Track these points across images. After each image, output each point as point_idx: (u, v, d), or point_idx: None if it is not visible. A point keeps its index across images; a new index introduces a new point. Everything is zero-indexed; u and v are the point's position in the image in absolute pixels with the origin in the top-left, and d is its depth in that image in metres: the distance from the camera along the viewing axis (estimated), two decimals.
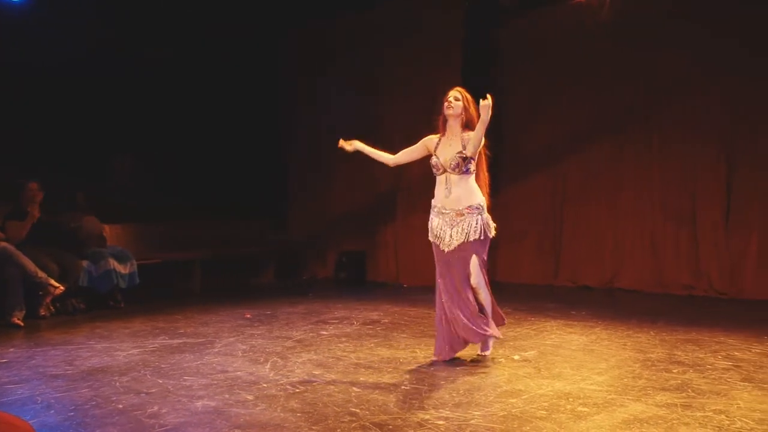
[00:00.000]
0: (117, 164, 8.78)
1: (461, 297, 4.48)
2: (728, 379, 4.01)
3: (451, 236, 4.46)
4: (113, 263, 6.91)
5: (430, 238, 4.62)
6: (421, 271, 8.89)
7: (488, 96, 4.18)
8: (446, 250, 4.49)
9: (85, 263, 6.77)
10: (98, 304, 6.88)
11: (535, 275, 8.71)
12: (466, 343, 4.58)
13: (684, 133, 7.75)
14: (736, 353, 4.72)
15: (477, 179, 4.55)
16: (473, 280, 4.48)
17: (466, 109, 4.51)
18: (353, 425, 3.22)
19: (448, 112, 4.52)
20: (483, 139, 4.38)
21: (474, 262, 4.46)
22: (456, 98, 4.52)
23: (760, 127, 7.31)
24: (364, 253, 9.43)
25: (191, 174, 8.96)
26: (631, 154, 8.13)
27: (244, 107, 9.46)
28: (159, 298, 7.48)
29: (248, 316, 6.42)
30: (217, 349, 4.96)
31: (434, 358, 4.61)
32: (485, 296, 4.57)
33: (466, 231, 4.43)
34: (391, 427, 3.20)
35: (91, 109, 7.97)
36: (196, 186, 8.97)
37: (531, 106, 8.70)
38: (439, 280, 4.61)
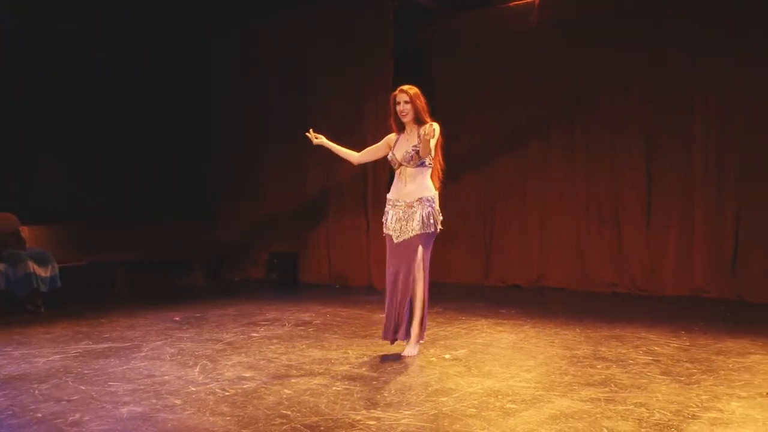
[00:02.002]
0: (40, 164, 8.44)
1: (405, 291, 4.60)
2: (648, 373, 4.17)
3: (401, 228, 4.60)
4: (32, 266, 6.63)
5: (384, 231, 4.73)
6: (354, 272, 8.92)
7: (432, 125, 4.41)
8: (396, 241, 4.61)
9: (1, 266, 6.47)
10: (16, 309, 6.59)
11: (466, 275, 8.84)
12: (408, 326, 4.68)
13: (606, 134, 8.01)
14: (656, 348, 4.91)
15: (432, 171, 4.71)
16: (415, 269, 4.59)
17: (414, 104, 4.64)
18: (284, 428, 3.19)
19: (405, 120, 4.68)
20: (437, 134, 4.56)
21: (419, 252, 4.60)
22: (405, 101, 4.66)
23: (678, 126, 7.62)
24: (297, 254, 9.36)
25: (119, 174, 8.70)
26: (558, 155, 8.36)
27: (174, 107, 9.25)
28: (82, 302, 7.22)
29: (177, 318, 6.27)
30: (144, 353, 4.83)
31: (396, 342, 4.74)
32: (420, 289, 4.63)
33: (416, 222, 4.57)
34: (322, 428, 3.19)
35: (13, 108, 7.65)
36: (123, 186, 8.72)
37: (460, 107, 8.81)
38: (389, 270, 4.69)
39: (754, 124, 7.22)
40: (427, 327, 4.90)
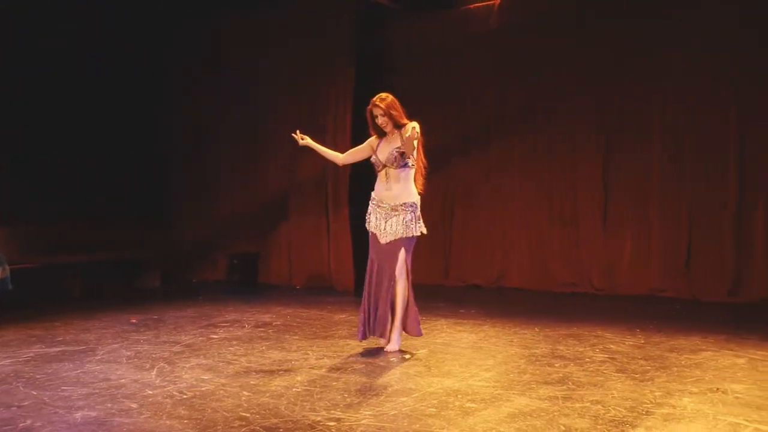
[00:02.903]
0: None
1: (385, 289, 4.74)
2: (604, 371, 4.24)
3: (385, 228, 4.75)
4: None
5: (368, 228, 4.89)
6: (314, 273, 8.88)
7: (414, 128, 4.49)
8: (383, 241, 4.75)
9: None
10: None
11: (427, 275, 8.84)
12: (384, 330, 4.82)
13: (566, 136, 8.14)
14: (612, 346, 5.00)
15: (415, 170, 4.83)
16: (396, 271, 4.73)
17: (390, 116, 4.77)
18: (243, 430, 3.16)
19: (385, 129, 4.81)
20: (417, 133, 4.60)
21: (401, 254, 4.73)
22: (381, 114, 4.78)
23: (635, 128, 7.78)
24: (257, 255, 9.29)
25: (73, 174, 8.50)
26: (517, 156, 8.46)
27: (130, 106, 9.08)
28: (35, 305, 7.04)
29: (134, 321, 6.17)
30: (99, 357, 4.73)
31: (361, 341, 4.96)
32: (401, 289, 4.76)
33: (400, 226, 4.72)
34: (282, 430, 3.17)
35: None
36: (78, 187, 8.52)
37: (421, 108, 8.77)
38: (370, 266, 4.84)
39: (705, 125, 7.41)
40: (420, 321, 4.99)
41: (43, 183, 8.25)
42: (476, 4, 8.59)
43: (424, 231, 4.83)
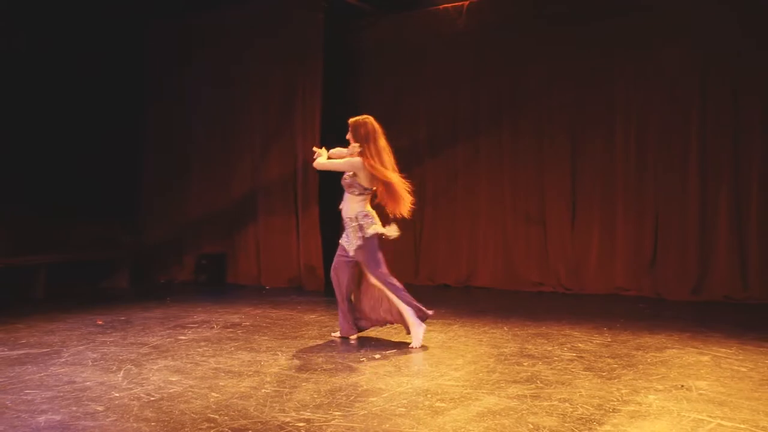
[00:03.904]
0: None
1: (344, 294, 5.25)
2: (572, 370, 4.29)
3: (350, 240, 5.17)
4: None
5: (341, 242, 5.27)
6: (283, 273, 8.83)
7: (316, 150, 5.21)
8: (350, 251, 5.17)
9: None
10: None
11: (396, 275, 8.83)
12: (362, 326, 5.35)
13: (533, 136, 8.22)
14: (580, 344, 5.06)
15: (389, 191, 5.13)
16: (372, 281, 5.18)
17: (353, 133, 5.11)
18: None
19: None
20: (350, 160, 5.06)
21: (366, 263, 5.13)
22: (349, 130, 5.16)
23: (600, 128, 7.90)
24: (225, 255, 9.21)
25: (37, 172, 8.34)
26: (485, 155, 8.52)
27: (98, 103, 8.93)
28: None
29: (100, 322, 6.07)
30: (64, 359, 4.64)
31: (338, 336, 5.40)
32: (392, 294, 5.21)
33: (352, 240, 5.14)
34: (250, 431, 3.14)
35: None
36: (43, 185, 8.36)
37: (390, 108, 8.85)
38: (337, 276, 5.27)
39: (668, 126, 7.54)
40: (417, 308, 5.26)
41: (6, 181, 8.09)
42: (446, 5, 8.63)
43: (371, 232, 5.08)
